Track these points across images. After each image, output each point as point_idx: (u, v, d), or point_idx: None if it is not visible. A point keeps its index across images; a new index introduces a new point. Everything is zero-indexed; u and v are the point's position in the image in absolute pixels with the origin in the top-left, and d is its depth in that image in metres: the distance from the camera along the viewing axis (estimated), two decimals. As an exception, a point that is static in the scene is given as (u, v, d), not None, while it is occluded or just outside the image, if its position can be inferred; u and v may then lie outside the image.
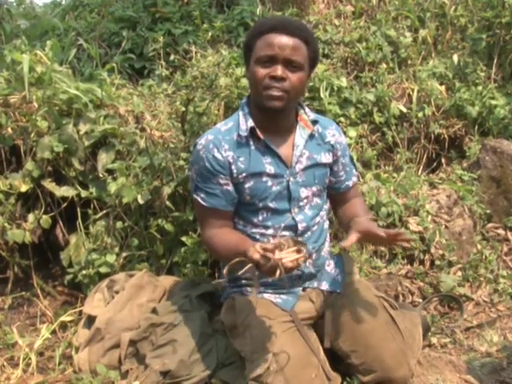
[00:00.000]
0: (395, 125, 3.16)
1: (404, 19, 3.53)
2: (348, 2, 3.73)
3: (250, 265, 1.29)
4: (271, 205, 1.58)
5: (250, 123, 1.55)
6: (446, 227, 2.45)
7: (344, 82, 3.02)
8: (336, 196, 1.77)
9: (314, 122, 1.63)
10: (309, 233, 1.64)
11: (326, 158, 1.65)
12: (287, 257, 1.24)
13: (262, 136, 1.55)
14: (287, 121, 1.60)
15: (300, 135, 1.60)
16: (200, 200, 1.58)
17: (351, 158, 1.78)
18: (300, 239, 1.57)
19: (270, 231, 1.59)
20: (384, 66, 3.26)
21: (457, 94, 3.18)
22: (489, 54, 3.36)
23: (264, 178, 1.56)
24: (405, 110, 3.14)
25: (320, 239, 1.69)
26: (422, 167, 3.19)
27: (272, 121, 1.57)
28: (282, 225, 1.57)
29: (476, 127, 3.15)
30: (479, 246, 2.53)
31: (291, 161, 1.58)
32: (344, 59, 3.30)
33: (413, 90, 3.18)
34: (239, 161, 1.55)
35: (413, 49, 3.40)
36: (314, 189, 1.64)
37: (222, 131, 1.58)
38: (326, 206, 1.77)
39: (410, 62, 3.39)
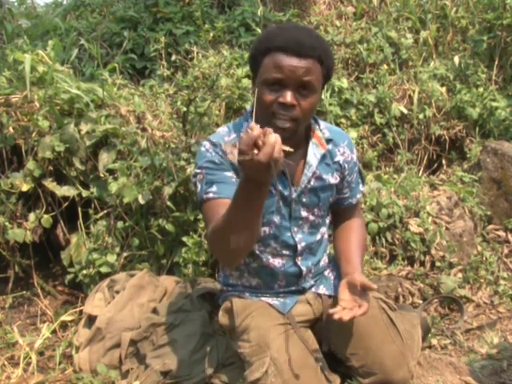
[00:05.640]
0: (396, 126, 3.17)
1: (405, 20, 3.54)
2: (349, 3, 3.75)
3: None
4: (276, 219, 1.50)
5: None
6: (447, 229, 2.44)
7: (345, 83, 3.03)
8: (336, 210, 1.69)
9: (328, 141, 1.53)
10: (308, 251, 1.61)
11: (334, 178, 1.56)
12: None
13: None
14: (296, 138, 1.45)
15: (313, 154, 1.49)
16: (212, 195, 1.40)
17: (360, 173, 1.67)
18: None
19: (269, 249, 1.55)
20: (385, 67, 3.27)
21: (458, 95, 3.18)
22: (490, 56, 3.36)
23: (274, 191, 1.47)
24: (406, 111, 3.15)
25: (319, 253, 1.66)
26: (422, 168, 3.20)
27: None
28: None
29: (477, 129, 3.15)
30: (480, 248, 2.53)
31: (300, 180, 1.49)
32: (345, 60, 3.31)
33: (414, 92, 3.18)
34: None
35: (414, 50, 3.41)
36: (316, 210, 1.57)
37: (226, 140, 1.47)
38: (328, 221, 1.70)
39: (410, 63, 3.40)
